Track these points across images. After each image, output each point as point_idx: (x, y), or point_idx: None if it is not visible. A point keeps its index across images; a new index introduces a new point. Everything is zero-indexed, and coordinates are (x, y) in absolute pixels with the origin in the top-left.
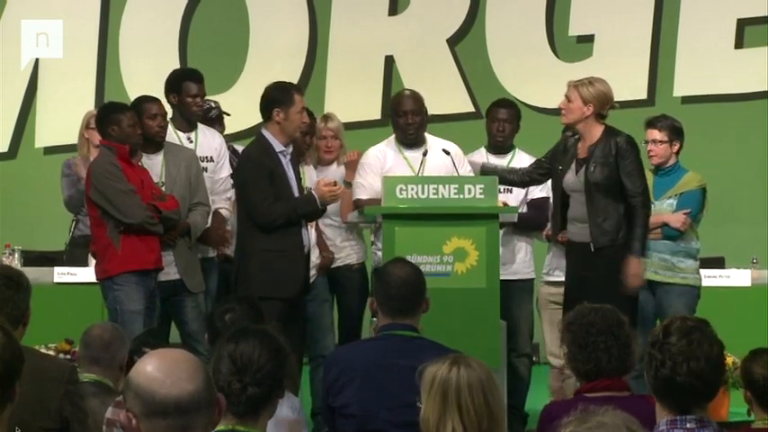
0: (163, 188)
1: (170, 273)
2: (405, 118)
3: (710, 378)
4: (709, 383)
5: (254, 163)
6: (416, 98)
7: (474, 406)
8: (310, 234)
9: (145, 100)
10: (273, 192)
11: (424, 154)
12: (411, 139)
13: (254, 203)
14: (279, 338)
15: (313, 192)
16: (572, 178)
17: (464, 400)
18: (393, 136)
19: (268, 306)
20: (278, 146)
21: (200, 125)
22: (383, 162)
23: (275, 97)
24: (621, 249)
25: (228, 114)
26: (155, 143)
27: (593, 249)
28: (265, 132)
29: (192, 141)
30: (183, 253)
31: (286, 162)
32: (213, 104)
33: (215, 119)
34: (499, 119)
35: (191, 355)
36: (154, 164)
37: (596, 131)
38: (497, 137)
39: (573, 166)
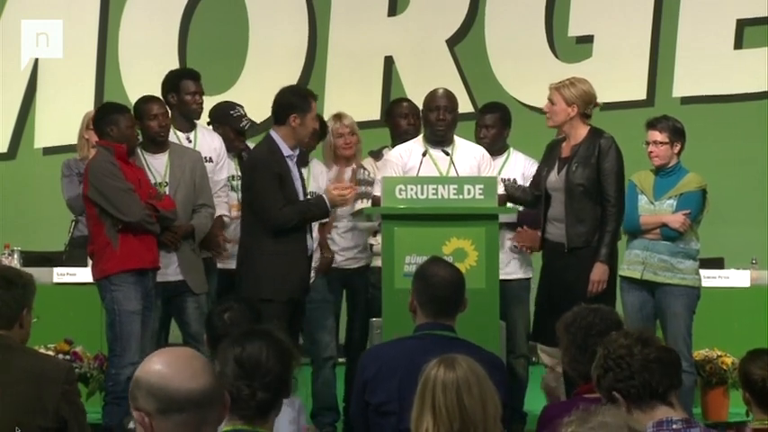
0: (166, 188)
1: (173, 273)
2: (437, 113)
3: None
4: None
5: (263, 166)
6: (450, 96)
7: (446, 406)
8: (314, 236)
9: (145, 101)
10: (283, 195)
11: (447, 153)
12: (440, 135)
13: (266, 208)
14: (284, 339)
15: (323, 195)
16: (554, 177)
17: (437, 400)
18: (422, 135)
19: (272, 308)
20: (285, 150)
21: (199, 125)
22: (405, 160)
23: (293, 103)
24: (595, 252)
25: (257, 123)
26: (156, 142)
27: (566, 250)
28: (274, 135)
29: (191, 141)
30: (187, 254)
31: (292, 165)
32: (243, 113)
33: (247, 130)
34: (480, 125)
35: (196, 352)
36: (158, 163)
37: (581, 132)
38: (482, 141)
39: (556, 165)
